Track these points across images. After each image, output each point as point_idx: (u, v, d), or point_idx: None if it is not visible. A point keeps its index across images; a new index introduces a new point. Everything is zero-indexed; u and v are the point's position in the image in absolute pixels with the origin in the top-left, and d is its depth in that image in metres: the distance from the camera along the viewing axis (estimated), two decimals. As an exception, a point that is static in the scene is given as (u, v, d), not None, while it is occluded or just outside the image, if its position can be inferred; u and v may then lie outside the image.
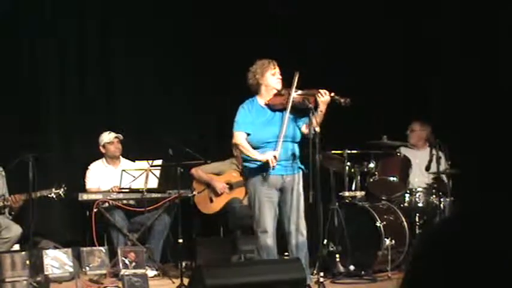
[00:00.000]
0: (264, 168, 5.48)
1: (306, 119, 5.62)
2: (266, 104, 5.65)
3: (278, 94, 5.65)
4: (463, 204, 6.67)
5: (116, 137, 7.27)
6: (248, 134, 5.59)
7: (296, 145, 5.66)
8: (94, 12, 7.87)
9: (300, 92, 5.58)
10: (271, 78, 5.64)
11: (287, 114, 5.52)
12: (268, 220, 5.52)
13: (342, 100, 5.49)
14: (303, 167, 5.67)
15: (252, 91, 5.71)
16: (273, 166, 5.41)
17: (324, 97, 5.47)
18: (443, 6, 7.68)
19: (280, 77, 5.67)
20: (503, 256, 0.97)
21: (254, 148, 5.56)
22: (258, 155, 5.50)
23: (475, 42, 7.46)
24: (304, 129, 5.64)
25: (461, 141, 6.94)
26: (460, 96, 7.47)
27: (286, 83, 5.62)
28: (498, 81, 7.23)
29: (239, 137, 5.59)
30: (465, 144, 7.04)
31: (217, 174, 7.32)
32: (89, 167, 7.28)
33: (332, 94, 5.50)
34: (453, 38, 7.75)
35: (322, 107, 5.47)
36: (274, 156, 5.40)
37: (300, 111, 5.61)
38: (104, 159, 7.32)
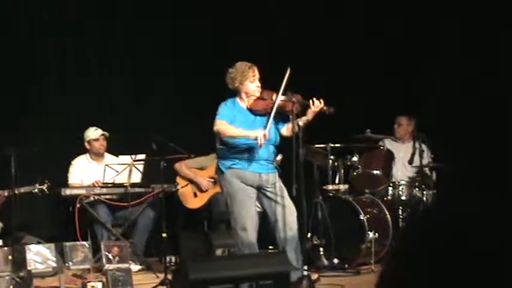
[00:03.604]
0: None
1: (287, 122, 5.59)
2: (248, 108, 5.58)
3: (260, 98, 5.56)
4: (462, 203, 6.65)
5: (102, 135, 7.21)
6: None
7: (274, 148, 5.60)
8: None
9: (283, 98, 5.49)
10: (250, 85, 5.50)
11: (271, 119, 5.43)
12: (246, 216, 5.44)
13: (325, 108, 5.45)
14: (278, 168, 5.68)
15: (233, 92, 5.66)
16: (261, 144, 5.30)
17: (315, 108, 5.41)
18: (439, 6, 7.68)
19: (259, 84, 5.54)
20: (500, 256, 0.97)
21: (234, 150, 5.46)
22: (247, 131, 5.39)
23: (475, 42, 7.46)
24: (285, 132, 5.59)
25: (462, 141, 6.94)
26: (460, 96, 7.47)
27: (279, 82, 5.55)
28: (498, 82, 7.24)
29: (222, 123, 5.45)
30: (465, 144, 7.04)
31: (201, 168, 7.30)
32: (72, 162, 7.23)
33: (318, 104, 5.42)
34: (453, 38, 7.75)
35: (309, 116, 5.42)
36: (264, 135, 5.31)
37: (283, 116, 5.56)
38: (87, 154, 7.27)
